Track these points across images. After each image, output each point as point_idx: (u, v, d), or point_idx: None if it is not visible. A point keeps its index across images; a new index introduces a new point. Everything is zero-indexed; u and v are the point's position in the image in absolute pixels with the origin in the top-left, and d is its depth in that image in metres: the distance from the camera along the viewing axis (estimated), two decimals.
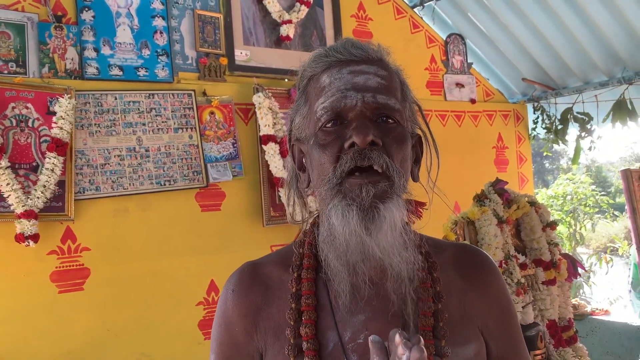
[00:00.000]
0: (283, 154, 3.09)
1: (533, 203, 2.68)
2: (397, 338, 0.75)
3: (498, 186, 2.63)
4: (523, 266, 2.54)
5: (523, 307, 2.42)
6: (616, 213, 8.82)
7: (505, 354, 1.00)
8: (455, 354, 0.90)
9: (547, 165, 22.80)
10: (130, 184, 2.76)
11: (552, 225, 2.68)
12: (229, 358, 0.98)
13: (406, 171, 0.92)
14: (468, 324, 0.96)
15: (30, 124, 2.53)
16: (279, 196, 3.12)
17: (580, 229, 7.20)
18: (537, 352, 2.38)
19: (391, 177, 0.87)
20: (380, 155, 0.87)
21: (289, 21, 3.30)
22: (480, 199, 2.57)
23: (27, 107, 2.53)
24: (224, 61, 3.11)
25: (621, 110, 3.79)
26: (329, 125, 0.90)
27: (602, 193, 8.55)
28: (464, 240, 2.45)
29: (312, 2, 3.43)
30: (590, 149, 4.14)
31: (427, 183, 1.01)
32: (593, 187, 7.97)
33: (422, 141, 1.03)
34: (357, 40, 0.97)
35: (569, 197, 7.52)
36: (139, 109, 2.82)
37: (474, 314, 0.97)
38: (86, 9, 2.74)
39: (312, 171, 0.95)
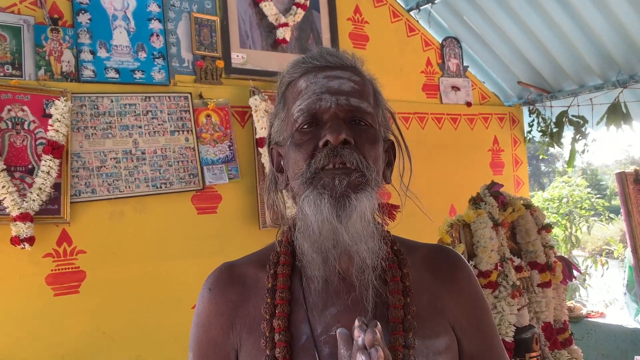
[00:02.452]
0: None
1: (528, 206, 2.69)
2: (356, 322, 0.80)
3: (493, 189, 2.64)
4: (518, 269, 2.55)
5: (518, 310, 2.43)
6: (611, 216, 8.84)
7: (478, 350, 1.03)
8: (425, 347, 0.94)
9: (543, 168, 22.86)
10: (126, 187, 2.75)
11: (548, 227, 2.69)
12: (207, 356, 1.01)
13: (378, 169, 0.97)
14: (439, 319, 1.00)
15: (26, 127, 2.53)
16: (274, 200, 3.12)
17: (575, 231, 7.21)
18: (533, 354, 2.39)
19: (363, 172, 0.92)
20: (352, 153, 0.92)
21: (286, 24, 3.31)
22: (475, 201, 2.58)
23: (23, 110, 2.52)
24: (220, 64, 3.11)
25: (616, 114, 3.81)
26: (305, 126, 0.95)
27: (598, 196, 8.58)
28: (460, 243, 2.45)
29: (308, 5, 3.44)
30: (584, 151, 4.16)
31: (400, 187, 1.06)
32: (589, 189, 7.99)
33: (394, 147, 1.08)
34: (333, 49, 1.04)
35: (564, 200, 7.54)
36: (135, 112, 2.82)
37: (445, 310, 1.01)
38: (82, 11, 2.74)
39: (288, 170, 0.99)
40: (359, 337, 0.79)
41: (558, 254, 2.83)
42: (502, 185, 2.70)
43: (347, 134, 0.92)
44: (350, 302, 0.95)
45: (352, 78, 0.98)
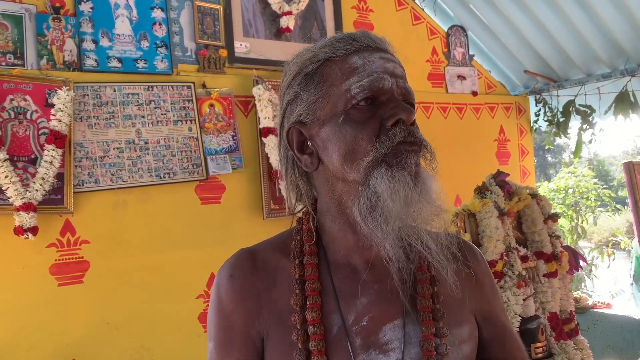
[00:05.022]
0: None
1: (534, 195, 2.67)
2: None
3: (499, 178, 2.61)
4: (524, 259, 2.52)
5: (524, 300, 2.41)
6: (618, 206, 8.78)
7: (494, 336, 1.04)
8: (452, 336, 0.94)
9: (549, 158, 22.76)
10: (129, 177, 2.74)
11: (554, 217, 2.67)
12: (229, 343, 0.97)
13: None
14: (461, 307, 1.00)
15: (28, 116, 2.52)
16: (279, 189, 3.11)
17: (582, 222, 7.17)
18: (538, 344, 2.37)
19: (431, 151, 0.93)
20: (419, 133, 0.92)
21: (289, 13, 3.27)
22: (481, 191, 2.56)
23: (25, 99, 2.51)
24: (223, 53, 3.09)
25: (624, 103, 3.77)
26: (362, 103, 0.91)
27: (604, 186, 8.51)
28: (465, 232, 2.43)
29: None
30: (591, 141, 4.12)
31: None
32: (595, 180, 7.93)
33: None
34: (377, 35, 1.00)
35: (570, 191, 7.49)
36: (138, 101, 2.80)
37: (466, 298, 1.01)
38: (84, 0, 2.72)
39: (334, 152, 0.92)
40: None
41: (564, 244, 2.80)
42: (508, 175, 2.67)
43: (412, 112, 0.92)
44: (381, 292, 0.94)
45: (401, 64, 0.97)
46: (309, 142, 0.97)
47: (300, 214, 1.04)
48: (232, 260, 1.02)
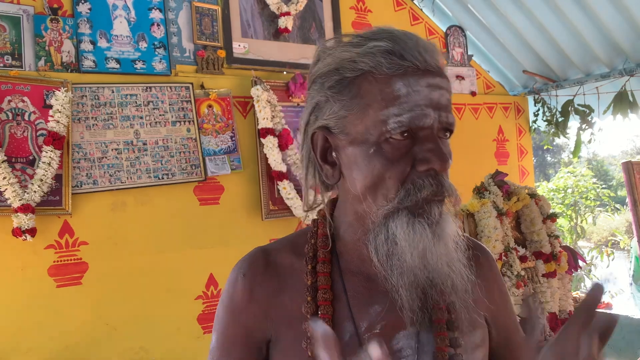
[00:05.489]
0: (282, 147, 3.07)
1: (533, 195, 2.67)
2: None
3: (498, 178, 2.61)
4: (523, 259, 2.52)
5: (523, 300, 2.40)
6: (617, 206, 8.79)
7: (504, 338, 1.04)
8: (465, 342, 0.93)
9: (548, 158, 22.77)
10: (128, 178, 2.74)
11: (552, 217, 2.67)
12: (232, 340, 0.97)
13: None
14: (475, 311, 0.97)
15: (26, 118, 2.52)
16: (278, 190, 3.10)
17: (581, 222, 7.17)
18: None
19: (456, 198, 0.89)
20: (448, 181, 0.87)
21: (288, 13, 3.27)
22: (480, 191, 2.56)
23: (23, 101, 2.51)
24: (221, 54, 3.09)
25: (622, 103, 3.77)
26: (398, 137, 0.85)
27: (604, 186, 8.52)
28: (464, 232, 2.43)
29: None
30: (590, 141, 4.12)
31: None
32: (594, 180, 7.94)
33: None
34: (427, 41, 0.89)
35: (569, 190, 7.50)
36: (136, 102, 2.80)
37: (478, 302, 0.98)
38: (82, 1, 2.72)
39: (357, 176, 0.89)
40: None
41: (563, 244, 2.80)
42: (507, 175, 2.68)
43: (449, 157, 0.86)
44: (393, 300, 0.90)
45: (448, 88, 0.89)
46: (333, 153, 0.93)
47: (315, 214, 1.02)
48: (246, 258, 1.01)
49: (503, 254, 2.42)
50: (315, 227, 1.00)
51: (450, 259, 0.87)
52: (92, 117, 2.69)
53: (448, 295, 0.90)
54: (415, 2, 4.07)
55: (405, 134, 0.85)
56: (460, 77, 4.17)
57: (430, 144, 0.85)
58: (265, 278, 0.97)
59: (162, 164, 2.84)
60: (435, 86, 0.86)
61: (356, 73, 0.87)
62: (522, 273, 2.43)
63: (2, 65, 2.50)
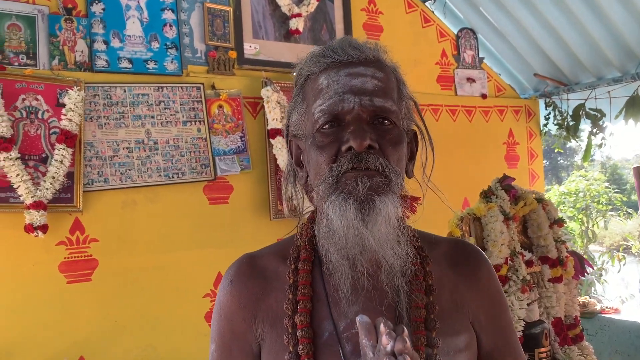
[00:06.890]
0: None
1: (540, 200, 2.66)
2: (382, 327, 0.77)
3: (505, 182, 2.61)
4: (529, 263, 2.52)
5: (528, 305, 2.40)
6: (630, 211, 8.70)
7: (496, 347, 1.02)
8: (446, 345, 0.94)
9: (561, 161, 22.57)
10: (138, 176, 2.78)
11: (559, 222, 2.66)
12: (229, 347, 1.01)
13: (402, 170, 0.95)
14: (459, 316, 0.99)
15: (40, 116, 2.56)
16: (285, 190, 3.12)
17: (592, 226, 7.11)
18: (542, 349, 2.37)
19: (387, 175, 0.90)
20: (377, 158, 0.89)
21: (299, 14, 3.29)
22: (487, 195, 2.56)
23: (37, 99, 2.55)
24: (233, 55, 3.11)
25: (634, 107, 3.74)
26: (326, 127, 0.92)
27: (616, 190, 8.44)
28: (470, 236, 2.43)
29: None
30: (601, 145, 4.09)
31: (421, 178, 1.04)
32: (606, 184, 7.87)
33: (417, 136, 1.05)
34: (355, 39, 0.98)
35: (581, 194, 7.43)
36: (147, 102, 2.84)
37: (465, 307, 1.00)
38: (96, 1, 2.76)
39: (310, 170, 0.97)
40: (388, 344, 0.76)
41: (571, 248, 2.79)
42: (514, 179, 2.67)
43: (372, 139, 0.89)
44: (373, 300, 0.94)
45: (376, 75, 0.93)
46: (302, 156, 1.01)
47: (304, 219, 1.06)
48: (233, 266, 1.06)
49: (509, 258, 2.42)
50: (301, 231, 1.04)
51: (383, 238, 0.89)
52: (104, 116, 2.73)
53: (389, 278, 0.92)
54: (426, 4, 4.07)
55: (334, 124, 0.91)
56: (471, 80, 4.16)
57: (353, 126, 0.90)
58: (251, 283, 1.01)
59: (172, 163, 2.87)
60: (356, 74, 0.92)
61: (302, 79, 0.99)
62: (528, 277, 2.43)
63: (17, 64, 2.55)
